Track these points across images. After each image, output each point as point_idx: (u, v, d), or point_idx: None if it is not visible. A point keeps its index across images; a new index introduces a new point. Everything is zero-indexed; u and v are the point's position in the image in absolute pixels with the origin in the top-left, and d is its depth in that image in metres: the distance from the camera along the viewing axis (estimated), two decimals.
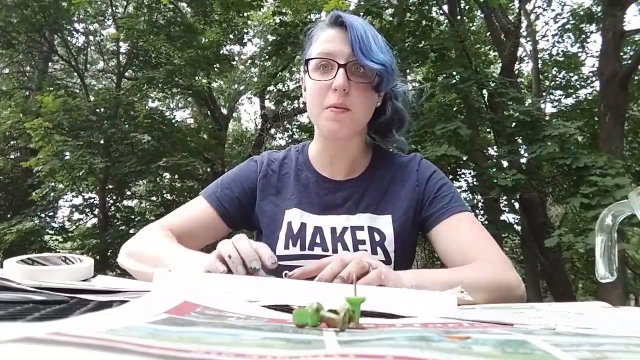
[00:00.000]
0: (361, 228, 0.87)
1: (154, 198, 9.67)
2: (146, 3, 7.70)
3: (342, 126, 0.83)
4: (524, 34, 8.26)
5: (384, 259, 0.85)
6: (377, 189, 0.92)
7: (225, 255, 0.62)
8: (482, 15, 7.51)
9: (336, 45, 0.82)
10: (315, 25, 0.92)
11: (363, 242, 0.86)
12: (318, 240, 0.86)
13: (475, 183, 6.11)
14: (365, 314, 0.39)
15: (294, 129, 8.84)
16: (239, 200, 0.92)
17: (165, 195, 9.38)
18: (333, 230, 0.87)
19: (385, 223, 0.88)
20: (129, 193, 9.16)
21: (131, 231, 8.42)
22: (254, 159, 0.98)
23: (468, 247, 0.82)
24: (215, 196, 0.92)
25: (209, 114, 9.74)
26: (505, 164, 5.30)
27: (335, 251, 0.85)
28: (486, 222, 5.75)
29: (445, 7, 6.48)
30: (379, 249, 0.86)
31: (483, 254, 0.81)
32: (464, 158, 4.97)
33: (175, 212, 0.93)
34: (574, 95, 8.68)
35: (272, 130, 9.64)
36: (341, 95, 0.81)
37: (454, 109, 6.01)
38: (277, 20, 7.12)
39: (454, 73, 5.20)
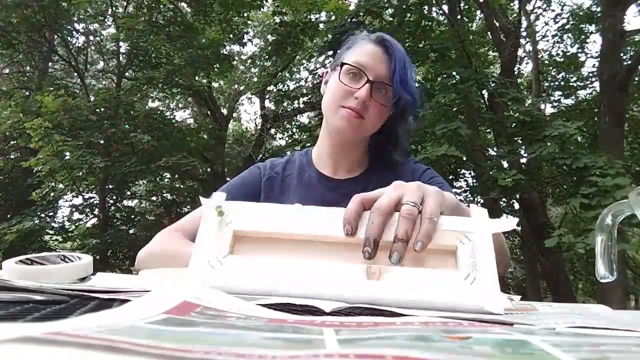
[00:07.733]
0: None
1: (154, 198, 9.68)
2: (146, 3, 7.70)
3: (352, 128, 0.89)
4: (524, 34, 8.26)
5: None
6: (375, 188, 0.94)
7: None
8: (482, 16, 7.51)
9: (371, 60, 0.89)
10: (356, 34, 1.00)
11: None
12: None
13: (475, 183, 6.11)
14: (365, 313, 0.39)
15: (294, 129, 8.84)
16: None
17: (165, 195, 9.38)
18: None
19: None
20: (129, 193, 9.16)
21: (131, 231, 8.43)
22: (257, 166, 1.03)
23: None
24: None
25: (209, 114, 9.74)
26: (505, 164, 5.30)
27: None
28: None
29: (445, 7, 6.48)
30: None
31: None
32: (464, 158, 4.98)
33: (186, 217, 0.94)
34: (573, 96, 8.68)
35: (272, 131, 9.64)
36: (360, 104, 0.87)
37: (454, 109, 6.01)
38: (277, 20, 7.14)
39: (454, 73, 5.20)
